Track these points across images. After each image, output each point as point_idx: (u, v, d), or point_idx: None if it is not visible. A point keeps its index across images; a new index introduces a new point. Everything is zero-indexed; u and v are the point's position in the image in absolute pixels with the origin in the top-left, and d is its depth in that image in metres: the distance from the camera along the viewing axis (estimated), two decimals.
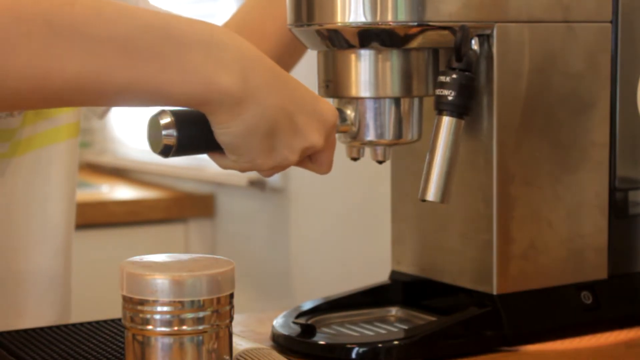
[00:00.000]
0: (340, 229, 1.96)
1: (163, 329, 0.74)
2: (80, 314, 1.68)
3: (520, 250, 1.00)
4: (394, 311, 1.08)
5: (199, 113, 0.83)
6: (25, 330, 1.01)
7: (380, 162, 0.98)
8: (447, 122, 0.93)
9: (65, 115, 1.18)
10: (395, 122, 0.96)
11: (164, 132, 0.85)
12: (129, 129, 2.81)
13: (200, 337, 0.75)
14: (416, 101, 0.97)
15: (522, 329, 0.99)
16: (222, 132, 0.83)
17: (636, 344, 1.01)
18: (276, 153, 0.85)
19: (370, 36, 0.93)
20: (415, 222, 1.07)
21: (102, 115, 1.32)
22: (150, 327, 0.74)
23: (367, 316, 1.07)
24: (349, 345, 0.95)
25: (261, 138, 0.84)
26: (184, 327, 0.74)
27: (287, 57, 1.21)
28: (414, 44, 0.94)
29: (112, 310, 1.05)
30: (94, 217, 2.29)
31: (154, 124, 0.86)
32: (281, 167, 0.87)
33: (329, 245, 2.00)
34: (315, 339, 0.97)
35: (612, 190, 1.06)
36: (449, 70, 0.94)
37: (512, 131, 0.99)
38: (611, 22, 1.04)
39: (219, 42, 0.81)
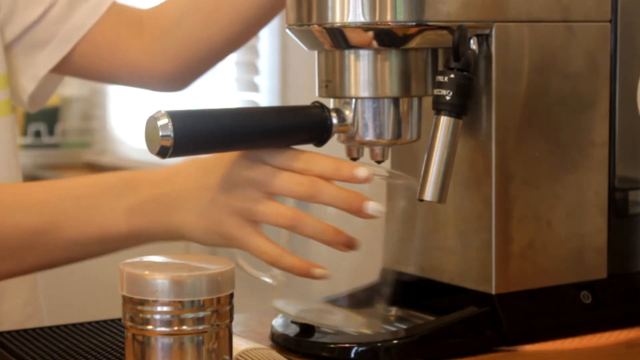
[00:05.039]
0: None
1: (163, 329, 0.74)
2: (80, 314, 1.68)
3: (519, 250, 1.00)
4: (393, 311, 1.08)
5: (196, 113, 0.83)
6: (25, 330, 1.01)
7: (379, 162, 0.98)
8: (444, 121, 0.93)
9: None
10: (394, 122, 0.96)
11: (161, 133, 0.85)
12: (129, 129, 2.81)
13: (200, 337, 0.75)
14: (415, 101, 0.97)
15: (521, 329, 0.99)
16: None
17: (636, 344, 1.01)
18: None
19: (369, 36, 0.93)
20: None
21: (32, 106, 1.24)
22: (150, 327, 0.74)
23: None
24: (348, 345, 0.95)
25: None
26: (184, 327, 0.74)
27: (237, 43, 1.22)
28: (413, 43, 0.94)
29: (112, 310, 1.05)
30: None
31: (151, 125, 0.86)
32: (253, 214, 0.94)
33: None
34: (314, 338, 0.97)
35: (612, 189, 1.06)
36: (447, 70, 0.93)
37: (512, 131, 0.99)
38: (610, 21, 1.04)
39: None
